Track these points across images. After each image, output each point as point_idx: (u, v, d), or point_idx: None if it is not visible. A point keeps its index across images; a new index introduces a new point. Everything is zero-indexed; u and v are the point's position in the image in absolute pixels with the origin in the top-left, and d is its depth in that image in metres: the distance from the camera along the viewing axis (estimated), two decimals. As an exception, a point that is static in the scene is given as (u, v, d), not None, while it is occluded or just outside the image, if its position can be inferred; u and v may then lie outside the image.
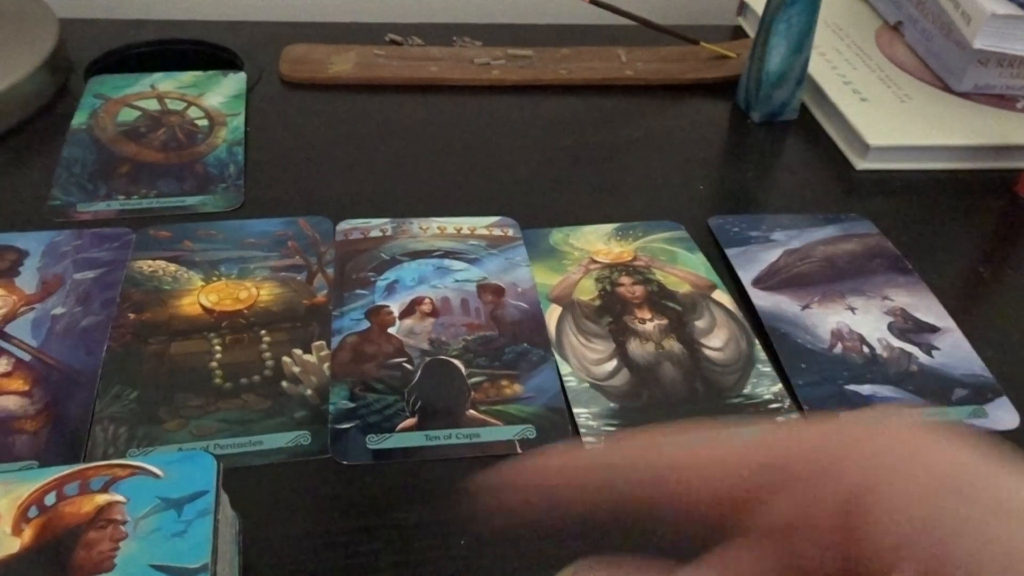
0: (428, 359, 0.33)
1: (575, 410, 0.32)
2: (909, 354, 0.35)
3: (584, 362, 0.34)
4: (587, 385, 0.33)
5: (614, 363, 0.34)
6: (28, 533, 0.23)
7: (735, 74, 0.53)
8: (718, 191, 0.45)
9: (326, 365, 0.32)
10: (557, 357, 0.34)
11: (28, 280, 0.34)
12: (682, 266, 0.39)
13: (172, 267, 0.36)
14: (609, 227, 0.41)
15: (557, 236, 0.40)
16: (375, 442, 0.30)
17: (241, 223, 0.39)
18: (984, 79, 0.50)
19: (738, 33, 0.60)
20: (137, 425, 0.29)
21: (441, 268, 0.37)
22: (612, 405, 0.32)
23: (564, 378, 0.33)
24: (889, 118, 0.48)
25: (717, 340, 0.35)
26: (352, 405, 0.31)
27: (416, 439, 0.30)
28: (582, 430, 0.31)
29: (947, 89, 0.51)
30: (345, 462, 0.29)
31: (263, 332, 0.33)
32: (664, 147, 0.48)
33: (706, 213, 0.42)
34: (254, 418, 0.30)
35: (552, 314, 0.36)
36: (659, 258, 0.39)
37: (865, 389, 0.33)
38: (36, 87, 0.45)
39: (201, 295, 0.35)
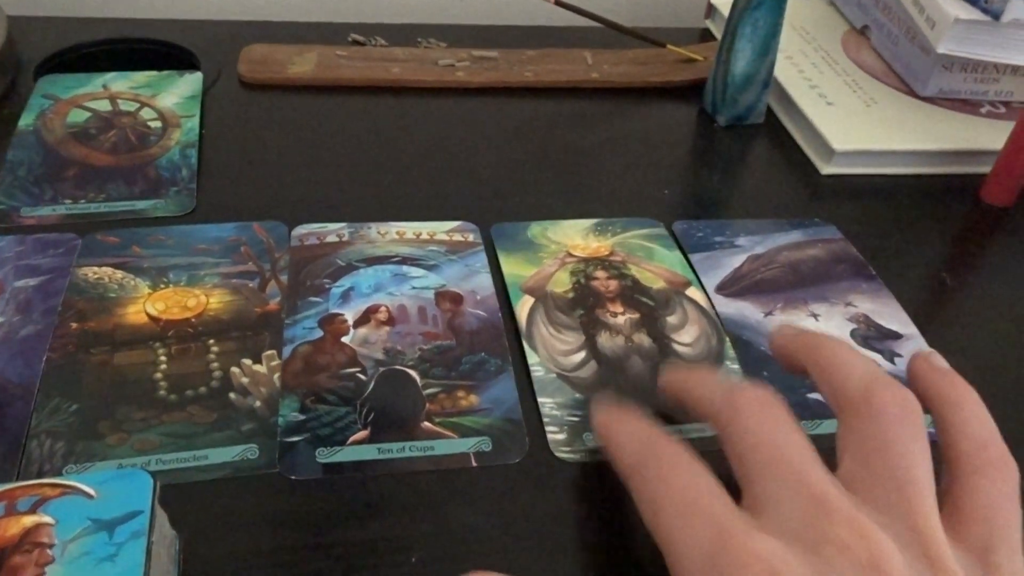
0: (382, 369, 0.32)
1: (540, 399, 0.31)
2: (872, 361, 0.35)
3: (552, 353, 0.33)
4: (554, 375, 0.32)
5: (582, 355, 0.33)
6: (-51, 558, 0.21)
7: (702, 77, 0.52)
8: (683, 195, 0.44)
9: (276, 376, 0.31)
10: (526, 347, 0.33)
11: (-34, 288, 0.33)
12: (658, 263, 0.38)
13: (118, 274, 0.35)
14: (588, 222, 0.41)
15: (535, 229, 0.40)
16: (325, 456, 0.29)
17: (192, 228, 0.38)
18: (949, 84, 0.50)
19: (706, 36, 0.60)
20: (75, 440, 0.28)
21: (399, 275, 0.36)
22: (578, 396, 0.32)
23: (531, 368, 0.32)
24: (855, 123, 0.47)
25: (687, 336, 0.35)
26: (302, 417, 0.30)
27: (368, 452, 0.29)
28: (546, 419, 0.31)
29: (912, 94, 0.51)
30: (294, 477, 0.28)
31: (211, 341, 0.32)
32: (630, 150, 0.47)
33: (671, 217, 0.42)
34: (199, 431, 0.29)
35: (524, 305, 0.35)
36: (636, 254, 0.39)
37: (828, 398, 0.33)
38: (-18, 87, 0.44)
39: (147, 303, 0.33)
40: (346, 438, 0.29)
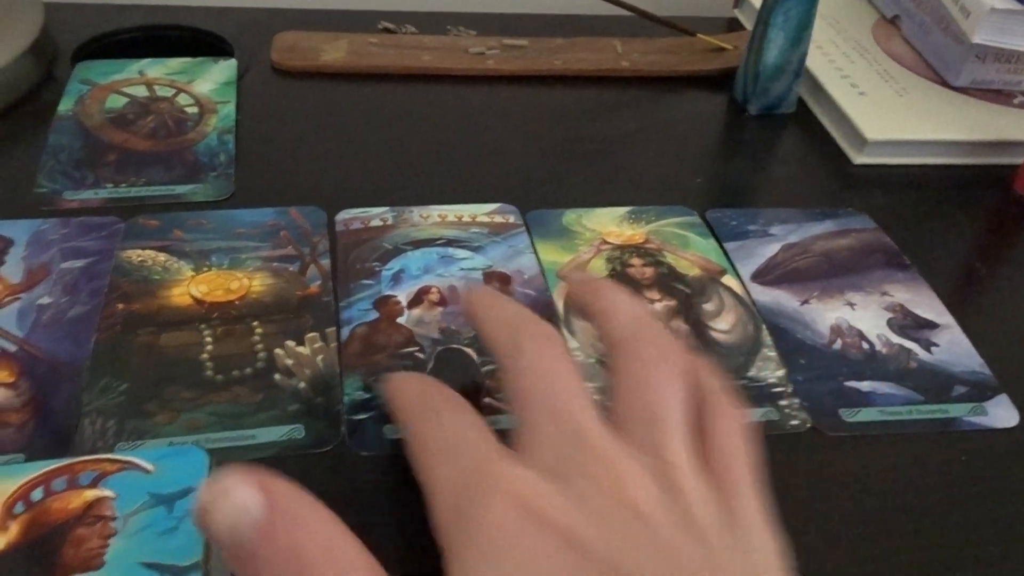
0: (440, 348, 0.32)
1: None
2: (908, 350, 0.35)
3: (591, 338, 0.34)
4: (593, 360, 0.33)
5: None
6: (14, 529, 0.22)
7: (732, 66, 0.52)
8: (715, 184, 0.44)
9: (320, 358, 0.31)
10: (565, 332, 0.34)
11: (13, 269, 0.34)
12: (693, 250, 0.39)
13: (162, 257, 0.35)
14: (622, 210, 0.41)
15: (570, 217, 0.40)
16: (393, 431, 0.29)
17: (232, 213, 0.38)
18: (982, 74, 0.50)
19: (734, 25, 0.60)
20: (126, 418, 0.29)
21: (446, 257, 0.36)
22: None
23: (571, 353, 0.33)
24: (887, 112, 0.47)
25: (724, 323, 0.35)
26: (367, 396, 0.30)
27: None
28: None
29: (944, 84, 0.51)
30: (364, 453, 0.29)
31: (255, 323, 0.32)
32: (660, 139, 0.47)
33: (703, 206, 0.42)
34: (246, 411, 0.29)
35: (561, 291, 0.36)
36: (671, 242, 0.39)
37: (864, 385, 0.33)
38: (21, 73, 0.44)
39: (191, 285, 0.34)
40: None
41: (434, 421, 0.23)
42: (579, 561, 0.19)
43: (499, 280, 0.36)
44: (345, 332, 0.33)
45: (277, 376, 0.31)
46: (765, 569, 0.22)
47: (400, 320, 0.33)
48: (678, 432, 0.23)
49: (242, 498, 0.19)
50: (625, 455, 0.22)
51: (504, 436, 0.23)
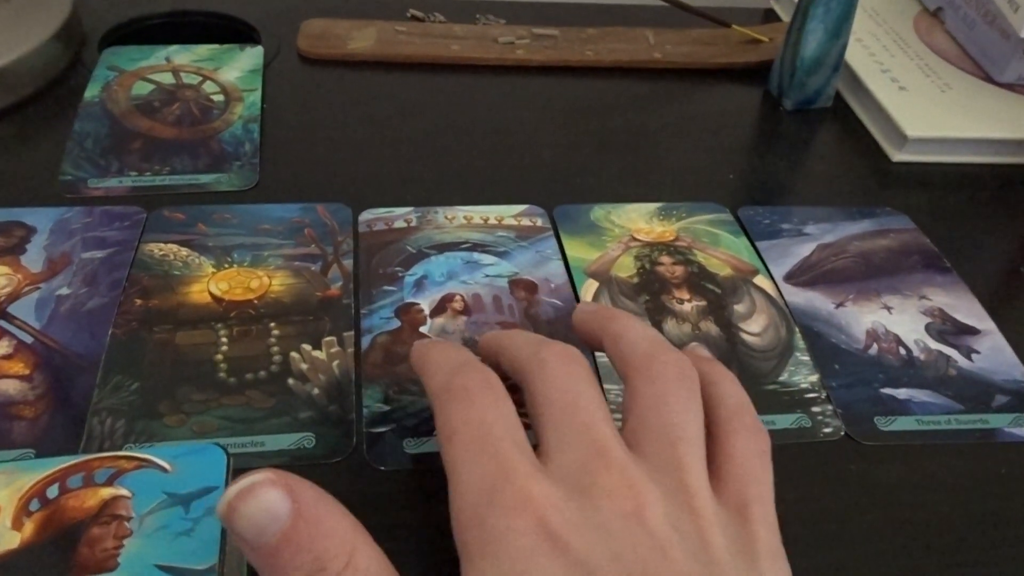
0: None
1: (606, 386, 0.31)
2: (948, 357, 0.34)
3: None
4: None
5: None
6: (29, 527, 0.22)
7: (768, 59, 0.51)
8: (748, 180, 0.43)
9: (336, 363, 0.31)
10: None
11: (34, 258, 0.33)
12: (725, 249, 0.38)
13: (184, 251, 0.34)
14: (652, 206, 0.40)
15: (598, 212, 0.39)
16: (413, 446, 0.28)
17: (258, 208, 0.37)
18: (1029, 70, 0.48)
19: (770, 16, 0.58)
20: (135, 419, 0.28)
21: (470, 262, 0.35)
22: None
23: (596, 354, 0.32)
24: (928, 109, 0.46)
25: (756, 325, 0.34)
26: (387, 408, 0.29)
27: None
28: (612, 407, 0.30)
29: (989, 80, 0.49)
30: (383, 467, 0.28)
31: (272, 325, 0.32)
32: (693, 133, 0.46)
33: (736, 202, 0.41)
34: (257, 417, 0.29)
35: (588, 289, 0.35)
36: (701, 239, 0.38)
37: (901, 393, 0.32)
38: (48, 58, 0.44)
39: (211, 282, 0.33)
40: (432, 428, 0.29)
41: (464, 405, 0.23)
42: None
43: (525, 288, 0.35)
44: (366, 341, 0.32)
45: (291, 381, 0.30)
46: None
47: (423, 329, 0.32)
48: (696, 453, 0.23)
49: (269, 500, 0.19)
50: (645, 475, 0.22)
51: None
